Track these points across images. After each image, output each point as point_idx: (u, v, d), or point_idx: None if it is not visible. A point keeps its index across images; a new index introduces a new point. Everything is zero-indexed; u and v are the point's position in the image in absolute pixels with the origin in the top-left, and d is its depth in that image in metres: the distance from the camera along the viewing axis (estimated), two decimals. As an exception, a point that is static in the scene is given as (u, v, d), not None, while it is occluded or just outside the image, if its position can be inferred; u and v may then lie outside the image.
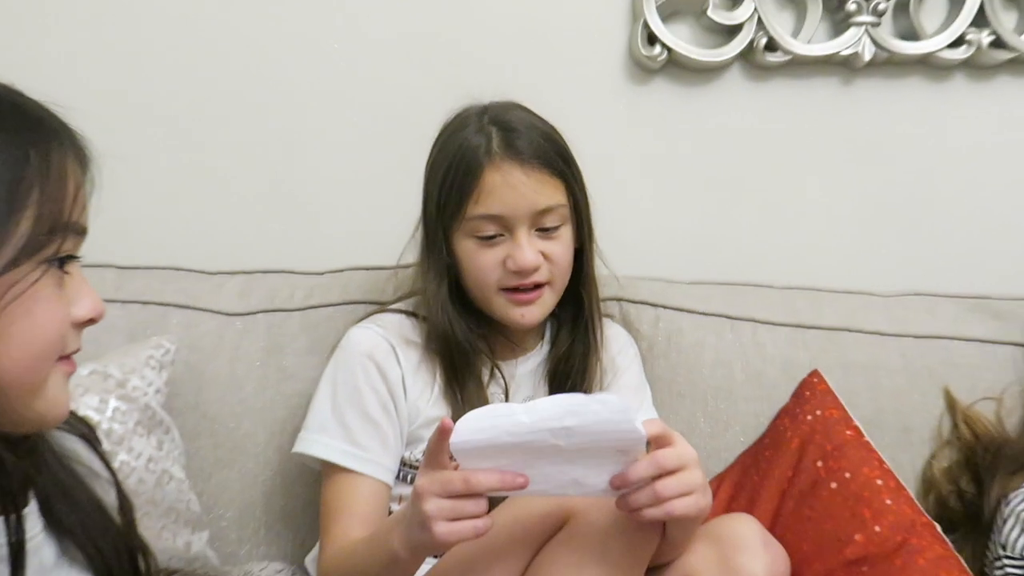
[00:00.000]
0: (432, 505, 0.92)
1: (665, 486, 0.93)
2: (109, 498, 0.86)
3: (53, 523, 0.79)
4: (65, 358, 0.73)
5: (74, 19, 1.57)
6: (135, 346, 1.33)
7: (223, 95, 1.60)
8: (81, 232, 0.72)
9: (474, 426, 0.89)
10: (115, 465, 1.04)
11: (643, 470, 0.92)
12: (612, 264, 1.32)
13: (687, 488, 0.94)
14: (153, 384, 1.29)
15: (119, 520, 0.86)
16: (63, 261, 0.71)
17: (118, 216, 1.54)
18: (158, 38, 1.58)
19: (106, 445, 1.17)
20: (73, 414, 0.86)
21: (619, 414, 0.87)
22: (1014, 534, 1.22)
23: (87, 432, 0.88)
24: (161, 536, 1.21)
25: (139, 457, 1.22)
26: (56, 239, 0.69)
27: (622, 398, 0.91)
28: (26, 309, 0.67)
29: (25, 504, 0.76)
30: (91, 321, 0.74)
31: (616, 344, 1.34)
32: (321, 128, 1.61)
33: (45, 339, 0.70)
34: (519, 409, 0.88)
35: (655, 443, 0.94)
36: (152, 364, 1.30)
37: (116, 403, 1.23)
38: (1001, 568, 1.21)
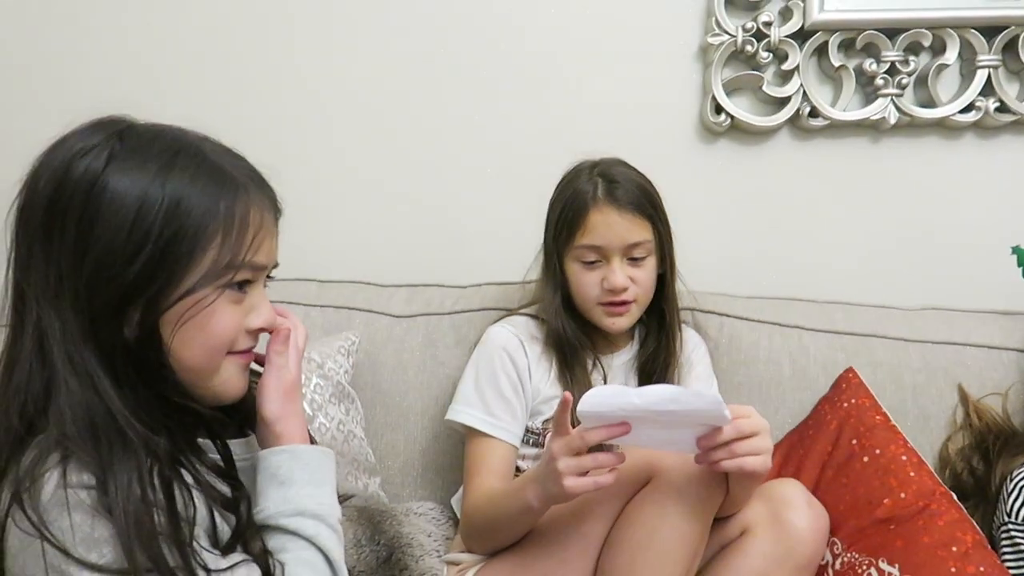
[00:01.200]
0: (563, 464, 0.92)
1: (740, 446, 0.92)
2: None
3: None
4: (240, 353, 0.75)
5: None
6: (330, 338, 1.37)
7: (401, 143, 1.62)
8: (257, 268, 0.73)
9: (598, 399, 0.89)
10: (314, 426, 1.08)
11: (727, 434, 0.91)
12: (688, 282, 1.30)
13: (757, 450, 0.93)
14: (343, 367, 1.32)
15: None
16: (241, 284, 0.72)
17: (320, 240, 1.62)
18: (341, 85, 1.62)
19: (308, 411, 1.22)
20: None
21: (714, 405, 0.88)
22: (1017, 504, 1.14)
23: None
24: (347, 479, 1.24)
25: (332, 420, 1.25)
26: (231, 272, 0.71)
27: (715, 394, 0.91)
28: (204, 320, 0.70)
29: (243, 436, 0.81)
30: (263, 329, 0.76)
31: (690, 344, 1.31)
32: (463, 175, 1.63)
33: (217, 341, 0.72)
34: (632, 393, 0.88)
35: (735, 414, 0.92)
36: (342, 352, 1.34)
37: (316, 380, 1.27)
38: (1007, 533, 1.13)
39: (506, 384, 1.20)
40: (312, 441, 0.81)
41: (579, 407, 0.89)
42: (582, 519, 1.04)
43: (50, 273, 0.67)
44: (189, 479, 0.71)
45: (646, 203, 1.19)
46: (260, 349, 0.80)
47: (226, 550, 0.72)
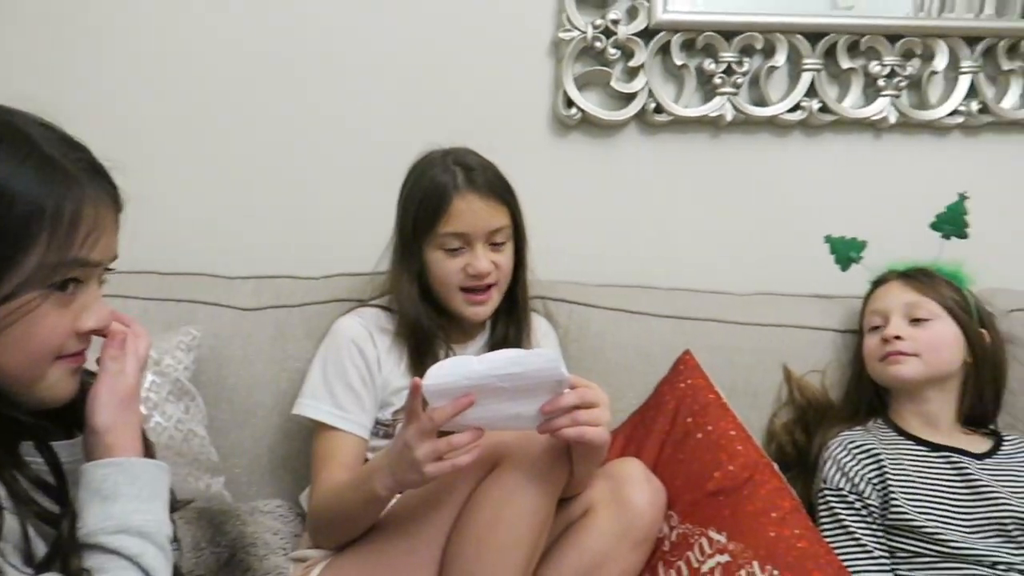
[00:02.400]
0: (420, 451, 0.92)
1: (582, 415, 0.95)
2: None
3: None
4: (68, 357, 0.70)
5: (98, 36, 1.54)
6: (169, 333, 1.30)
7: (249, 132, 1.58)
8: (90, 264, 0.68)
9: (440, 372, 0.91)
10: (149, 425, 1.03)
11: (570, 398, 0.94)
12: (540, 271, 1.32)
13: (597, 420, 0.96)
14: (182, 363, 1.26)
15: None
16: (67, 284, 0.67)
17: (162, 232, 1.54)
18: (199, 107, 1.56)
19: (144, 410, 1.15)
20: None
21: (551, 363, 0.91)
22: (831, 472, 1.23)
23: None
24: (187, 480, 1.18)
25: (170, 419, 1.19)
26: (60, 272, 0.66)
27: (553, 352, 0.94)
28: (27, 326, 0.65)
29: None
30: (96, 331, 0.71)
31: (540, 331, 1.34)
32: (312, 165, 1.59)
33: (43, 348, 0.67)
34: (474, 360, 0.91)
35: (577, 387, 0.96)
36: (182, 347, 1.28)
37: (152, 377, 1.20)
38: (823, 497, 1.22)
39: (355, 376, 1.18)
40: (149, 453, 0.76)
41: (424, 382, 0.90)
42: (430, 507, 1.05)
43: None
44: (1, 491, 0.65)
45: (503, 189, 1.21)
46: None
47: (41, 567, 0.67)
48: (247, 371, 1.35)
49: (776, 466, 1.20)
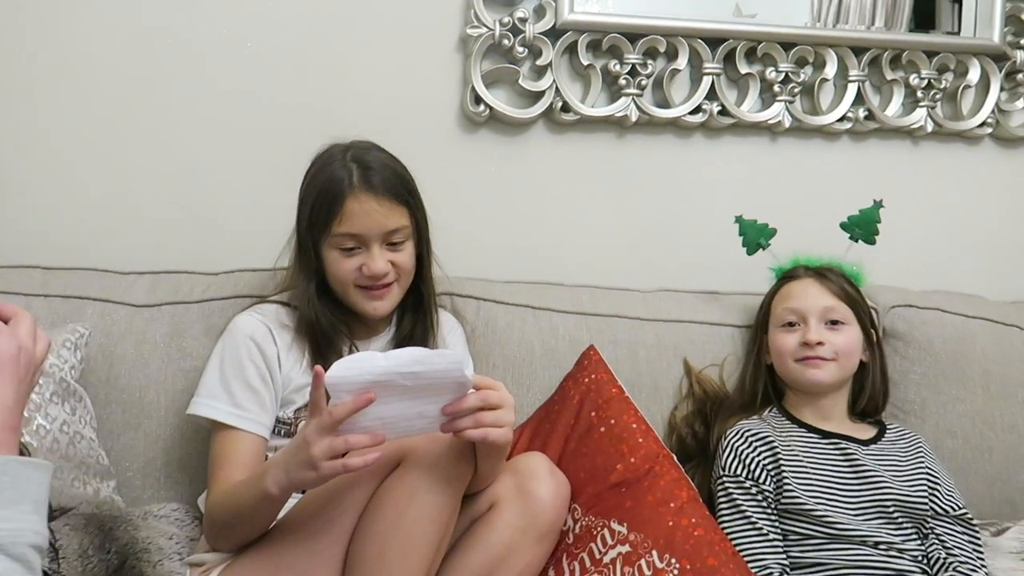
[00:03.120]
0: (317, 448, 0.91)
1: (485, 416, 0.95)
2: None
3: None
4: None
5: None
6: (55, 331, 1.23)
7: (146, 121, 1.51)
8: None
9: (344, 366, 0.90)
10: (32, 428, 0.96)
11: (471, 401, 0.94)
12: (447, 267, 1.31)
13: (501, 422, 0.96)
14: (68, 362, 1.20)
15: None
16: None
17: (46, 223, 1.45)
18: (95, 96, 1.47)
19: (26, 413, 1.08)
20: None
21: (454, 364, 0.91)
22: (729, 459, 1.28)
23: None
24: (72, 485, 1.12)
25: (54, 421, 1.13)
26: None
27: (457, 353, 0.94)
28: None
29: None
30: None
31: (446, 327, 1.33)
32: (214, 156, 1.54)
33: None
34: (379, 356, 0.91)
35: (481, 388, 0.96)
36: (68, 345, 1.21)
37: (35, 377, 1.13)
38: (722, 485, 1.26)
39: (253, 374, 1.15)
40: (24, 453, 0.69)
41: (327, 375, 0.89)
42: (332, 508, 1.02)
43: None
44: None
45: (402, 190, 1.18)
46: None
47: None
48: (140, 370, 1.29)
49: (675, 457, 1.23)
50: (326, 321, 1.19)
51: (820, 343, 1.29)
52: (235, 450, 1.12)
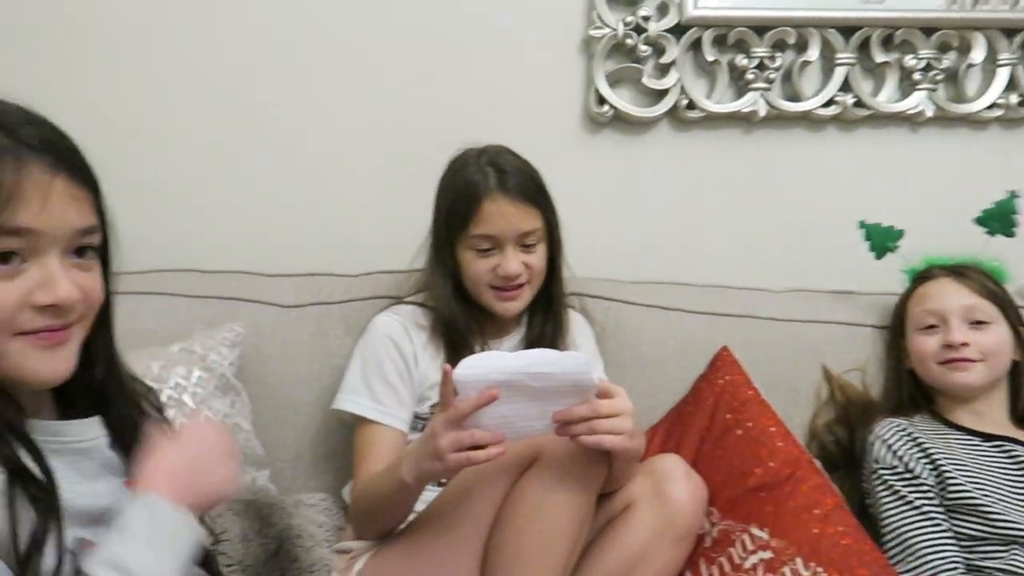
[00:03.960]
0: (443, 440, 0.93)
1: (599, 424, 0.94)
2: None
3: (121, 445, 0.76)
4: (30, 334, 0.66)
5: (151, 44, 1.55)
6: (213, 330, 1.31)
7: (288, 132, 1.58)
8: (19, 233, 0.63)
9: (472, 364, 0.91)
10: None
11: (580, 411, 0.94)
12: (575, 268, 1.32)
13: (615, 430, 0.95)
14: (227, 358, 1.27)
15: None
16: (6, 257, 0.64)
17: (202, 229, 1.55)
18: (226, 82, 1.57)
19: (192, 404, 1.17)
20: (136, 379, 0.82)
21: (582, 367, 0.90)
22: (881, 452, 1.21)
23: (148, 394, 0.83)
24: (233, 473, 1.19)
25: (216, 414, 1.20)
26: None
27: (585, 356, 0.94)
28: None
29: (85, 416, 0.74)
30: (54, 306, 0.66)
31: (576, 328, 1.33)
32: (349, 163, 1.59)
33: None
34: (508, 355, 0.92)
35: (602, 395, 0.96)
36: (226, 343, 1.29)
37: (199, 373, 1.21)
38: (879, 477, 1.20)
39: (392, 371, 1.19)
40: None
41: (455, 372, 0.91)
42: (470, 502, 1.05)
43: None
44: None
45: (535, 192, 1.20)
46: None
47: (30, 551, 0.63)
48: (289, 367, 1.36)
49: (818, 463, 1.18)
50: (461, 320, 1.22)
51: (965, 344, 1.22)
52: (376, 443, 1.16)
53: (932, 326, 1.27)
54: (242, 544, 1.06)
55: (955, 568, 1.08)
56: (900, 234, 1.41)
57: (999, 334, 1.24)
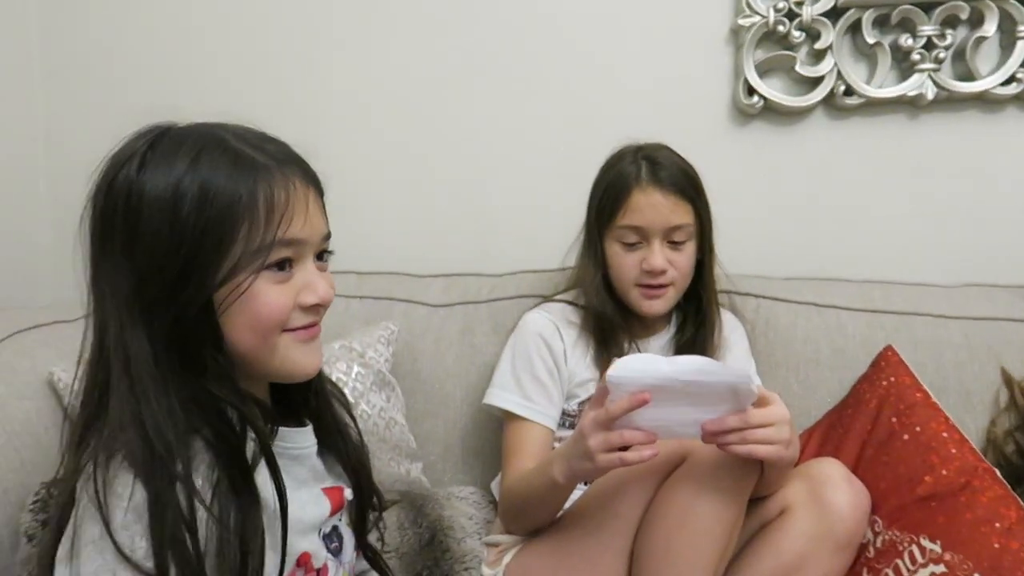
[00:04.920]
0: (593, 440, 0.93)
1: (751, 434, 0.91)
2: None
3: (327, 449, 0.83)
4: (297, 329, 0.74)
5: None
6: (370, 328, 1.39)
7: (437, 134, 1.63)
8: (293, 244, 0.71)
9: (628, 365, 0.89)
10: (356, 414, 1.09)
11: (730, 422, 0.90)
12: (724, 265, 1.29)
13: (769, 439, 0.91)
14: (383, 355, 1.34)
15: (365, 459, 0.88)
16: (283, 264, 0.71)
17: (359, 232, 1.64)
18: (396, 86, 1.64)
19: (351, 398, 1.24)
20: (333, 384, 0.89)
21: (742, 379, 0.88)
22: None
23: (342, 397, 0.90)
24: (389, 464, 1.25)
25: (374, 408, 1.27)
26: (264, 254, 0.69)
27: (744, 368, 0.90)
28: (247, 303, 0.70)
29: (301, 425, 0.80)
30: (319, 305, 0.74)
31: (727, 327, 1.30)
32: (505, 168, 1.62)
33: (265, 322, 0.71)
34: (663, 361, 0.89)
35: (757, 403, 0.92)
36: (382, 341, 1.35)
37: (358, 368, 1.28)
38: None
39: (541, 368, 1.21)
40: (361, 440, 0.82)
41: (608, 373, 0.90)
42: (618, 501, 1.04)
43: (112, 278, 0.69)
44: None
45: (689, 187, 1.18)
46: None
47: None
48: (439, 364, 1.41)
49: (998, 472, 1.09)
50: (611, 315, 1.22)
51: None
52: (525, 439, 1.18)
53: None
54: (398, 532, 1.11)
55: None
56: None
57: None
